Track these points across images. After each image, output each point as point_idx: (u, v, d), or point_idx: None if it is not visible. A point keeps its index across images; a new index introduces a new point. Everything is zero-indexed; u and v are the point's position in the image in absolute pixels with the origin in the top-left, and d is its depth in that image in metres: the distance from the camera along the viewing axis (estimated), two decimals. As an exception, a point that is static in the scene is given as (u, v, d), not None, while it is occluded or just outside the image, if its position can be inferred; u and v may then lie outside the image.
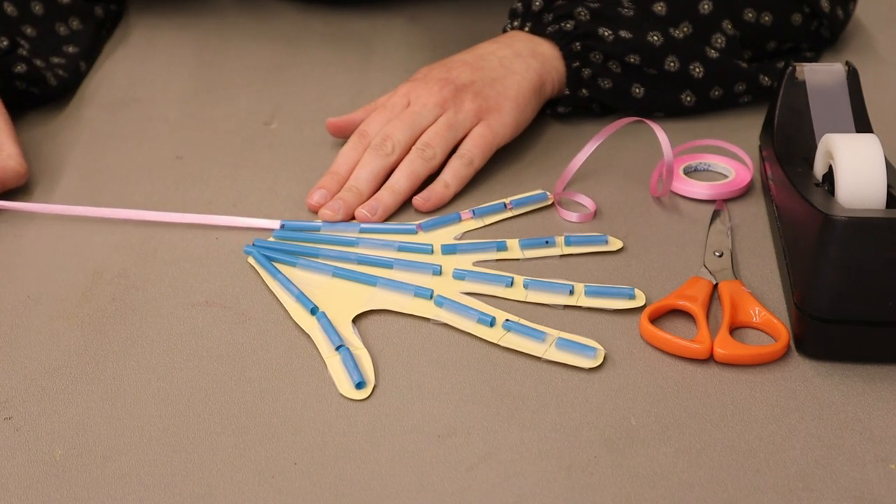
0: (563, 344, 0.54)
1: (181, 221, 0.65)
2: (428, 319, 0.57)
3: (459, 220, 0.65)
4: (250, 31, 0.93)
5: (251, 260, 0.61)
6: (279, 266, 0.60)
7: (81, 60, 0.84)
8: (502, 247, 0.62)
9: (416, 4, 0.95)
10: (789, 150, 0.62)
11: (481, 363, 0.53)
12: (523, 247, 0.62)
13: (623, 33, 0.72)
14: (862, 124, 0.62)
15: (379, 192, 0.66)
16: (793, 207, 0.56)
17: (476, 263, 0.61)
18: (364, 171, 0.67)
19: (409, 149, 0.68)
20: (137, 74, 0.86)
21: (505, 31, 0.77)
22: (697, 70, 0.73)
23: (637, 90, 0.74)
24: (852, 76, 0.64)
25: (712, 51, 0.74)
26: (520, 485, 0.46)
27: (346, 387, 0.52)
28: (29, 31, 0.81)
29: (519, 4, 0.77)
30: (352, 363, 0.52)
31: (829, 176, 0.56)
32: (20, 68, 0.76)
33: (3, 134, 0.69)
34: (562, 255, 0.62)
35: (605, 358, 0.53)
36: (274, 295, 0.58)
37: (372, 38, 0.90)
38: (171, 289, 0.60)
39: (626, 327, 0.55)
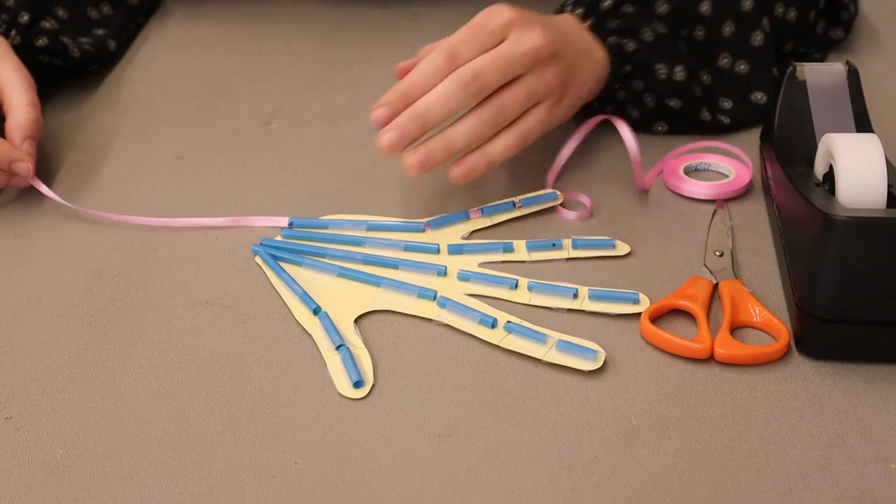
0: (564, 346, 0.54)
1: (188, 226, 0.65)
2: (431, 320, 0.57)
3: (468, 218, 0.65)
4: (250, 31, 0.93)
5: (258, 259, 0.61)
6: (285, 266, 0.60)
7: (110, 39, 0.85)
8: (509, 248, 0.62)
9: (417, 4, 0.95)
10: (789, 150, 0.62)
11: (481, 363, 0.53)
12: (530, 249, 0.62)
13: (678, 73, 0.69)
14: (862, 124, 0.62)
15: (433, 143, 0.60)
16: (793, 207, 0.56)
17: (482, 264, 0.61)
18: (439, 104, 0.59)
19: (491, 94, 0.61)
20: (138, 74, 0.86)
21: (563, 9, 0.72)
22: (725, 119, 0.72)
23: (660, 128, 0.72)
24: (852, 76, 0.64)
25: (760, 94, 0.72)
26: (520, 485, 0.46)
27: (344, 386, 0.52)
28: (60, 12, 0.83)
29: None
30: (351, 362, 0.53)
31: (830, 176, 0.56)
32: (42, 41, 0.77)
33: (14, 88, 0.68)
34: (568, 259, 0.61)
35: (605, 359, 0.53)
36: (276, 294, 0.58)
37: (372, 38, 0.90)
38: (171, 289, 0.60)
39: (626, 327, 0.55)
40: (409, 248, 0.62)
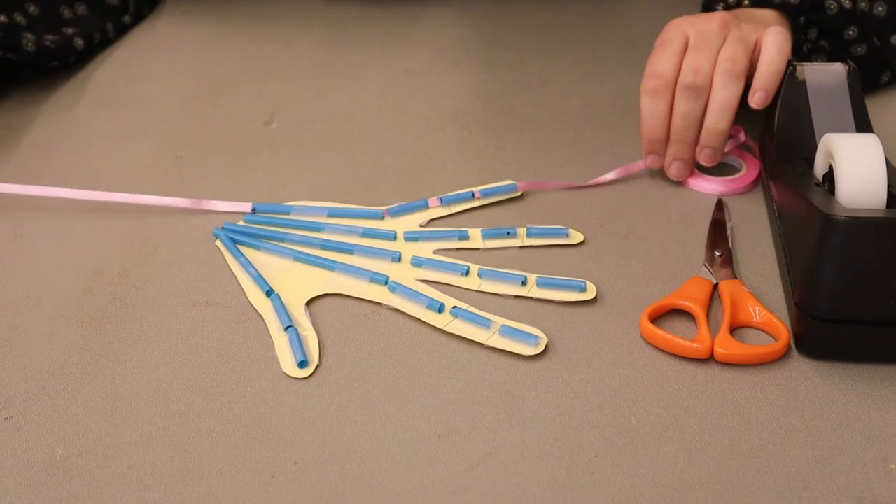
0: (507, 331, 0.54)
1: (150, 204, 0.66)
2: (380, 304, 0.57)
3: (427, 207, 0.66)
4: (250, 31, 0.93)
5: (219, 243, 0.62)
6: (244, 249, 0.62)
7: (77, 38, 0.85)
8: (464, 236, 0.63)
9: (416, 4, 0.95)
10: (789, 150, 0.62)
11: (481, 363, 0.53)
12: (485, 237, 0.63)
13: (846, 2, 0.71)
14: (862, 124, 0.62)
15: (708, 143, 0.64)
16: (793, 207, 0.56)
17: (436, 251, 0.62)
18: (689, 120, 0.64)
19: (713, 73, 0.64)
20: (138, 74, 0.86)
21: (715, 5, 0.73)
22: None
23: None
24: (852, 76, 0.64)
25: None
26: (520, 485, 0.46)
27: (289, 365, 0.53)
28: (31, 8, 0.83)
29: None
30: (297, 343, 0.54)
31: (830, 176, 0.56)
32: None
33: None
34: (521, 247, 0.62)
35: (609, 360, 0.53)
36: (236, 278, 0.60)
37: (372, 38, 0.90)
38: (171, 289, 0.60)
39: (626, 327, 0.55)
40: (366, 234, 0.63)
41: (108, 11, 0.90)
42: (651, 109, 0.65)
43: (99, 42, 0.88)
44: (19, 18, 0.80)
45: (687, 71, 0.63)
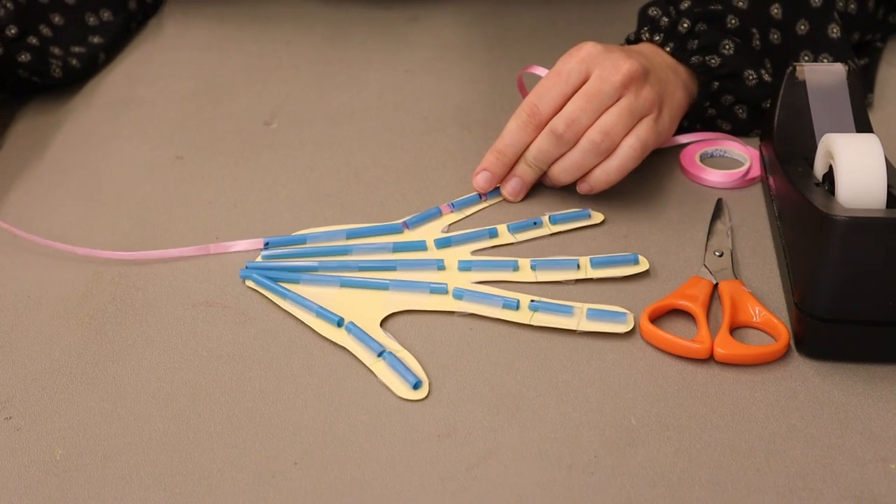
0: (594, 314, 0.55)
1: (158, 258, 0.62)
2: (452, 313, 0.57)
3: (440, 214, 0.66)
4: (250, 32, 0.93)
5: (250, 283, 0.59)
6: (284, 285, 0.59)
7: (102, 52, 0.85)
8: (494, 233, 0.63)
9: (416, 5, 0.95)
10: (789, 150, 0.62)
11: (481, 363, 0.53)
12: (512, 230, 0.63)
13: (766, 75, 0.70)
14: (862, 124, 0.62)
15: (549, 174, 0.65)
16: (793, 207, 0.56)
17: (473, 253, 0.62)
18: (543, 157, 0.64)
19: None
20: (138, 74, 0.86)
21: (639, 38, 0.71)
22: None
23: (754, 135, 0.72)
24: (852, 76, 0.64)
25: None
26: (520, 485, 0.46)
27: (402, 390, 0.51)
28: (56, 19, 0.82)
29: (661, 16, 0.71)
30: (401, 366, 0.52)
31: (830, 176, 0.56)
32: (24, 57, 0.77)
33: None
34: (551, 234, 0.63)
35: (608, 361, 0.53)
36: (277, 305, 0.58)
37: (372, 38, 0.90)
38: (171, 289, 0.60)
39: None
40: (398, 248, 0.62)
41: (128, 16, 0.89)
42: (514, 134, 0.64)
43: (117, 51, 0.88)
44: (45, 31, 0.80)
45: (562, 118, 0.62)
